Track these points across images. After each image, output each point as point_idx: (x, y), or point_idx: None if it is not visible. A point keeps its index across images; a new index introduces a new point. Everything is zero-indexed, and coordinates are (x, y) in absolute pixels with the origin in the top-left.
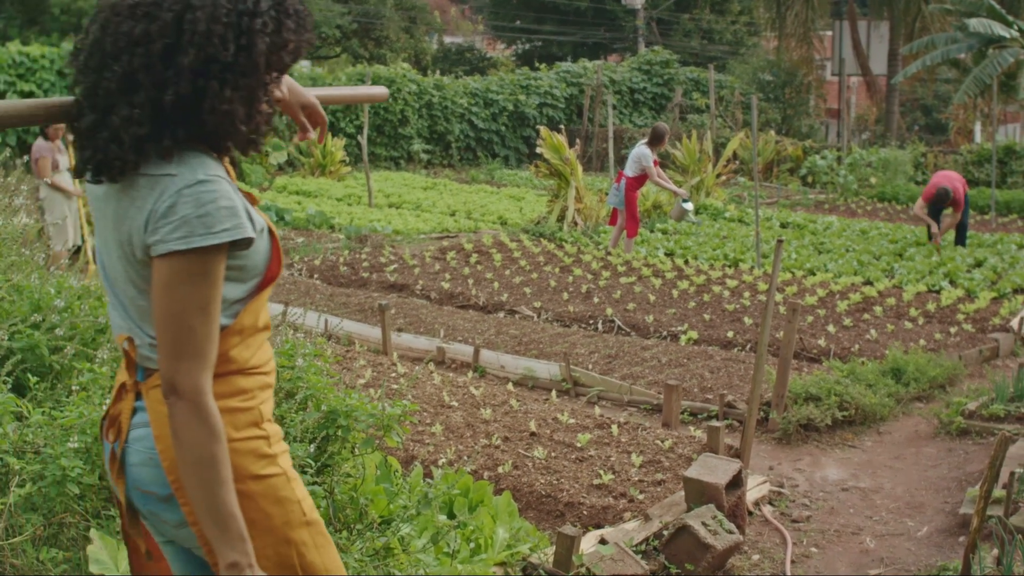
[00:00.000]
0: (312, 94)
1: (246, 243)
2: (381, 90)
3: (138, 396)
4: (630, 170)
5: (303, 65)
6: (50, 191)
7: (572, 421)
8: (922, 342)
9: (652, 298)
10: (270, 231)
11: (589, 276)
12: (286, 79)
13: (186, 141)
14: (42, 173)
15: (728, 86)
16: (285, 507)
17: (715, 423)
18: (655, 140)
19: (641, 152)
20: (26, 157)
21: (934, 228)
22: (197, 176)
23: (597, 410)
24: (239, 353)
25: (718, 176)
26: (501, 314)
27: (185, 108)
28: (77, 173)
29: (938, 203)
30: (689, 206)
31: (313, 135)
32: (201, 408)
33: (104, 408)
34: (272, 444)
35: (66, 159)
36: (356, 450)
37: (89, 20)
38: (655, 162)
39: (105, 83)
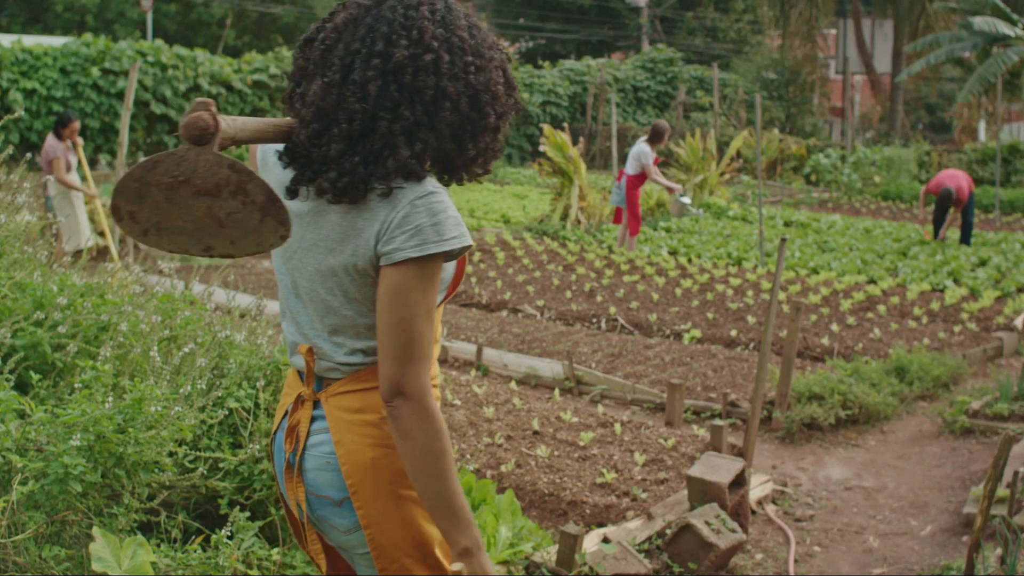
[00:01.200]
0: None
1: (460, 252)
2: None
3: (315, 406)
4: (630, 168)
5: None
6: (61, 190)
7: (575, 420)
8: (926, 341)
9: (655, 296)
10: None
11: (592, 274)
12: None
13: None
14: (59, 174)
15: (732, 84)
16: None
17: (718, 422)
18: (655, 137)
19: (641, 150)
20: (30, 154)
21: (922, 216)
22: (427, 188)
23: (600, 409)
24: None
25: (721, 175)
26: (504, 312)
27: (474, 160)
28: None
29: (941, 203)
30: (686, 199)
31: None
32: (428, 407)
33: (271, 424)
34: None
35: (75, 158)
36: None
37: (347, 57)
38: (655, 160)
39: (385, 125)
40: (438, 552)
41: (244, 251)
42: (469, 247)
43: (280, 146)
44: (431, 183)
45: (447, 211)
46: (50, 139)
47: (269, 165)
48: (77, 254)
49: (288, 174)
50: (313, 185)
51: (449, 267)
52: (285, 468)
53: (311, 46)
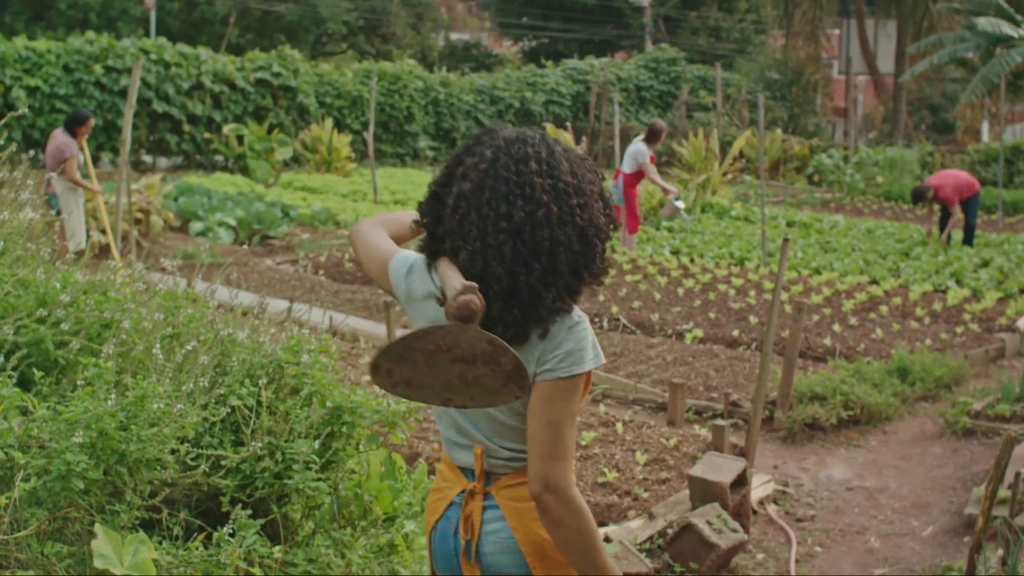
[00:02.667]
0: None
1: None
2: None
3: (485, 497)
4: (627, 166)
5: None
6: (67, 187)
7: (577, 419)
8: (928, 342)
9: (657, 296)
10: None
11: None
12: None
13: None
14: (72, 173)
15: (735, 84)
16: None
17: (720, 422)
18: (652, 137)
19: (637, 148)
20: (32, 152)
21: (928, 226)
22: (574, 318)
23: (602, 408)
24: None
25: (724, 174)
26: None
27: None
28: None
29: (913, 200)
30: (680, 204)
31: None
32: (573, 497)
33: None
34: None
35: (82, 157)
36: (361, 447)
37: (481, 226)
38: (651, 159)
39: (524, 279)
40: None
41: (479, 405)
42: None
43: (433, 286)
44: (576, 313)
45: (588, 338)
46: (63, 136)
47: (415, 295)
48: (79, 252)
49: (442, 312)
50: None
51: None
52: (461, 554)
53: (440, 203)
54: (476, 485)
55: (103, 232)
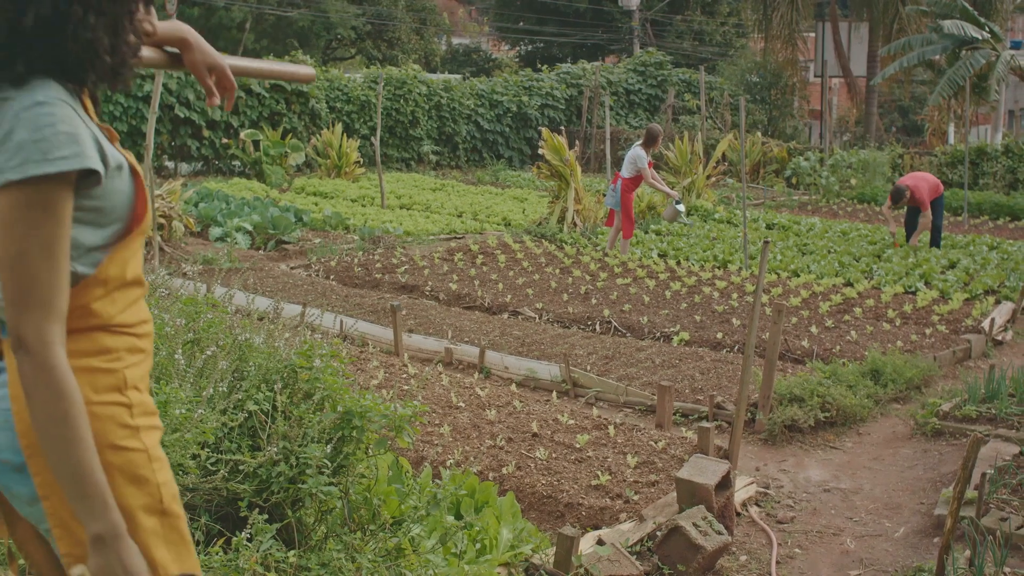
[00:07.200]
0: (227, 61)
1: (94, 179)
2: (307, 70)
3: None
4: (626, 171)
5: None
6: None
7: (571, 422)
8: (899, 343)
9: (646, 299)
10: (133, 172)
11: (587, 277)
12: (194, 36)
13: (43, 69)
14: None
15: (718, 88)
16: (142, 488)
17: (705, 424)
18: (649, 141)
19: (636, 153)
20: None
21: (891, 227)
22: (36, 98)
23: (595, 411)
24: (103, 307)
25: (708, 177)
26: (505, 315)
27: (46, 33)
28: None
29: (894, 200)
30: (681, 207)
31: (218, 101)
32: (47, 362)
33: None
34: (135, 416)
35: None
36: (370, 451)
37: None
38: (649, 163)
39: None
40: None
41: None
42: (92, 172)
43: None
44: (40, 91)
45: (56, 126)
46: None
47: None
48: None
49: None
50: None
51: (117, 196)
52: None
53: None
54: None
55: None
